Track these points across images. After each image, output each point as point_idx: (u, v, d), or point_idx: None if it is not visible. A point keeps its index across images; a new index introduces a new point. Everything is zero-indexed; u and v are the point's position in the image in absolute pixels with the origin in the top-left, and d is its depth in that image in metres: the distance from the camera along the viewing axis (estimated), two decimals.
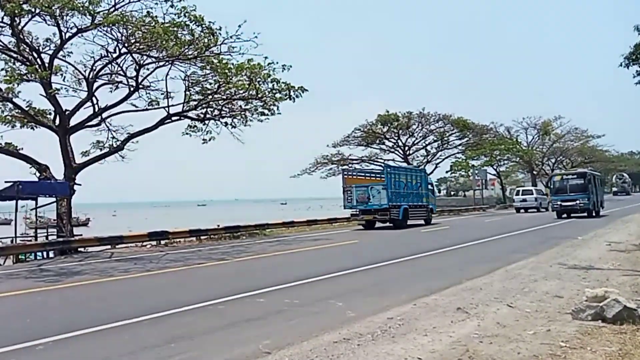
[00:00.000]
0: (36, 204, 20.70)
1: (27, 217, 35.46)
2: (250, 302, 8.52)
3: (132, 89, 21.17)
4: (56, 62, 19.90)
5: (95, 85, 20.86)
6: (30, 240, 20.70)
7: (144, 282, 11.74)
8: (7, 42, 18.98)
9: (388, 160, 50.10)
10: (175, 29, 18.52)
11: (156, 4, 18.67)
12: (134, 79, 20.88)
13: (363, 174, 31.38)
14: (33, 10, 17.29)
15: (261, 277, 11.51)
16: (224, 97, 22.40)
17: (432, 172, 49.73)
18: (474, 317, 6.69)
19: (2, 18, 17.60)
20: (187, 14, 18.64)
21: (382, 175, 27.68)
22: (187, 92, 22.11)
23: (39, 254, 17.81)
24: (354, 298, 8.61)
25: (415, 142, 49.19)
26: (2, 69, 19.32)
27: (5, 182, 18.22)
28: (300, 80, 23.75)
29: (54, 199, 20.44)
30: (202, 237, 22.43)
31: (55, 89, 19.79)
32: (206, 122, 23.01)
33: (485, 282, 9.47)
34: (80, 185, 20.99)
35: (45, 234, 21.43)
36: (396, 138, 48.43)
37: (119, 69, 21.04)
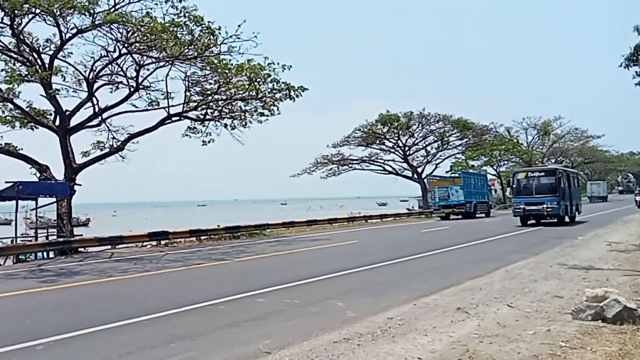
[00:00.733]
0: (36, 204, 20.70)
1: (28, 217, 35.45)
2: (250, 302, 8.51)
3: (132, 89, 21.18)
4: (56, 62, 19.93)
5: (96, 85, 20.87)
6: (31, 241, 20.69)
7: (144, 282, 11.73)
8: (7, 42, 19.01)
9: (388, 160, 50.19)
10: (175, 28, 18.51)
11: (156, 4, 18.69)
12: (134, 79, 20.88)
13: (443, 178, 40.08)
14: (33, 10, 17.28)
15: (261, 277, 11.50)
16: (224, 97, 22.40)
17: (431, 172, 49.80)
18: (474, 317, 6.69)
19: (2, 18, 17.61)
20: (187, 14, 18.63)
21: (460, 179, 37.04)
22: (187, 93, 22.12)
23: (39, 254, 17.80)
24: (354, 298, 8.60)
25: (416, 142, 49.23)
26: (2, 70, 19.36)
27: (6, 182, 18.23)
28: (300, 80, 23.79)
29: (54, 199, 20.44)
30: (202, 238, 22.43)
31: (55, 90, 19.80)
32: (206, 122, 23.01)
33: (485, 282, 9.47)
34: (80, 185, 21.00)
35: (46, 234, 21.43)
36: (396, 138, 48.46)
37: (119, 69, 21.07)
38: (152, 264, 14.58)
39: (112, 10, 18.36)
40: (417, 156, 50.19)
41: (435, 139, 49.11)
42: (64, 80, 20.96)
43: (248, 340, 6.14)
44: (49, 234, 21.45)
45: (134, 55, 20.16)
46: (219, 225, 24.17)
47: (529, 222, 26.20)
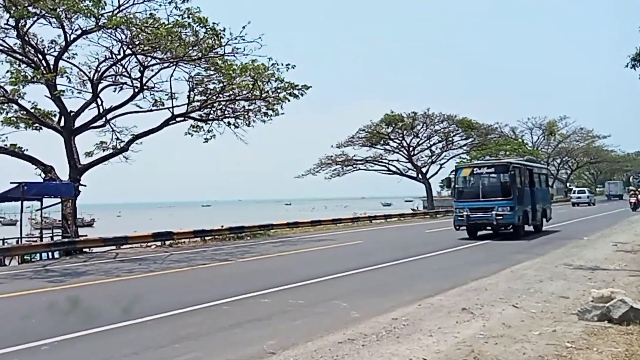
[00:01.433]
0: (41, 204, 20.77)
1: (33, 217, 35.61)
2: (254, 303, 8.52)
3: (136, 90, 21.25)
4: (61, 63, 20.01)
5: (100, 86, 20.95)
6: (36, 241, 20.79)
7: (149, 282, 11.76)
8: (12, 44, 19.08)
9: (393, 160, 50.12)
10: (178, 29, 18.58)
11: (160, 5, 18.73)
12: (139, 80, 20.96)
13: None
14: (38, 12, 17.37)
15: (265, 278, 11.51)
16: (228, 97, 22.47)
17: (436, 173, 49.80)
18: (479, 318, 6.67)
19: (8, 20, 17.70)
20: (190, 16, 18.69)
21: None
22: (191, 93, 22.19)
23: (44, 254, 17.87)
24: (359, 298, 8.60)
25: (420, 143, 49.14)
26: (8, 71, 19.44)
27: (11, 183, 18.31)
28: (302, 80, 23.77)
29: (59, 200, 20.53)
30: (206, 238, 22.47)
31: (60, 91, 19.88)
32: (209, 122, 23.11)
33: (490, 282, 9.45)
34: (85, 186, 21.09)
35: (51, 235, 21.51)
36: (401, 139, 48.38)
37: (124, 70, 21.16)
38: (157, 265, 14.62)
39: (116, 12, 18.42)
40: (421, 156, 50.10)
41: (440, 139, 49.01)
42: (69, 81, 21.06)
43: (252, 341, 6.15)
44: (54, 234, 21.53)
45: (138, 56, 20.24)
46: (222, 226, 24.21)
47: (479, 234, 19.93)
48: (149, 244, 20.54)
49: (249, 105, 22.92)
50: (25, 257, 17.42)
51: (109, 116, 21.77)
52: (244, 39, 19.79)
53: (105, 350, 6.04)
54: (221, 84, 21.64)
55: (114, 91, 22.02)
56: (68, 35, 18.85)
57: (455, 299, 7.99)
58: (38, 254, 17.86)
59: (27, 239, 23.27)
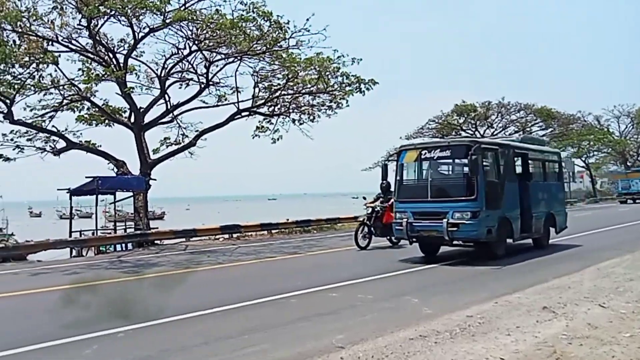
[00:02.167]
0: (114, 198, 21.99)
1: (107, 210, 37.58)
2: (322, 297, 8.60)
3: (202, 85, 21.92)
4: (130, 61, 20.92)
5: (167, 83, 21.77)
6: (110, 233, 22.03)
7: (217, 274, 12.15)
8: (84, 43, 20.16)
9: None
10: (243, 23, 18.98)
11: (224, 1, 19.22)
12: (204, 75, 21.61)
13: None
14: (108, 11, 18.25)
15: (333, 272, 11.57)
16: (292, 92, 22.70)
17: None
18: (561, 317, 6.38)
19: (80, 20, 18.72)
20: (255, 10, 19.04)
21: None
22: (256, 88, 22.62)
23: (118, 246, 18.89)
24: (431, 294, 8.48)
25: (495, 134, 47.56)
26: (79, 69, 20.52)
27: (86, 177, 19.45)
28: (366, 72, 23.43)
29: (131, 194, 21.60)
30: (273, 231, 22.88)
31: (130, 88, 20.83)
32: (274, 118, 23.42)
33: (574, 280, 9.01)
34: (155, 180, 22.03)
35: (124, 227, 22.69)
36: (473, 129, 47.09)
37: (190, 66, 21.86)
38: (225, 257, 15.06)
39: (182, 9, 19.04)
40: None
41: (516, 129, 47.18)
42: (138, 78, 22.04)
43: (320, 335, 6.20)
44: (127, 226, 22.71)
45: (203, 52, 20.84)
46: (288, 219, 24.54)
47: (438, 254, 13.45)
48: (217, 236, 21.16)
49: (313, 100, 23.05)
50: (100, 249, 18.49)
51: (175, 112, 22.61)
52: (308, 31, 19.95)
53: (177, 339, 6.30)
54: (285, 79, 21.89)
55: (180, 88, 22.84)
56: (136, 34, 19.69)
57: (534, 297, 7.68)
58: (112, 246, 18.90)
59: (102, 231, 24.66)
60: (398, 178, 13.47)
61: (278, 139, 23.57)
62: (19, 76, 18.75)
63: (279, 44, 20.45)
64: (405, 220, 12.63)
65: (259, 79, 22.54)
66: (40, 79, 19.54)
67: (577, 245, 14.95)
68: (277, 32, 20.00)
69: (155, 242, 19.86)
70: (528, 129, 47.07)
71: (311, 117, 23.36)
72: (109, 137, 23.81)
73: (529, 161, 14.46)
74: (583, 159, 60.21)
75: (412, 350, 5.28)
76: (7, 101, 18.97)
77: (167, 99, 21.96)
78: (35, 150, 21.33)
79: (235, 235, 21.51)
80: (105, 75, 19.85)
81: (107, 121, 22.30)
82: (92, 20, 18.44)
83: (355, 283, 9.69)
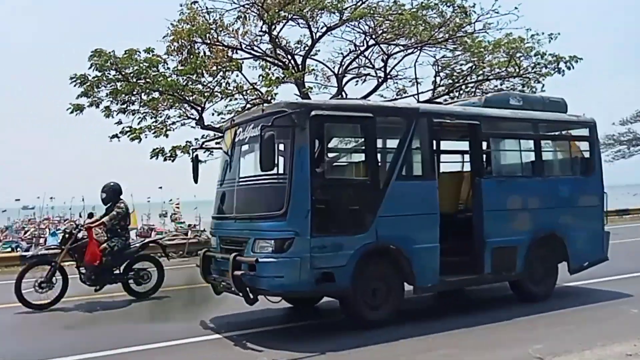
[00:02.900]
0: None
1: None
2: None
3: (380, 80, 22.04)
4: (308, 62, 21.83)
5: (344, 80, 22.31)
6: None
7: None
8: (264, 49, 21.64)
9: None
10: (423, 12, 18.72)
11: None
12: (382, 69, 21.69)
13: None
14: (288, 15, 19.36)
15: None
16: (477, 78, 21.79)
17: None
18: None
19: (262, 27, 20.13)
20: None
21: None
22: (437, 78, 22.11)
23: None
24: None
25: None
26: (260, 75, 22.05)
27: None
28: (565, 50, 20.91)
29: None
30: None
31: (308, 88, 21.76)
32: None
33: None
34: None
35: None
36: None
37: (367, 61, 22.12)
38: None
39: (359, 4, 19.40)
40: None
41: None
42: (315, 78, 22.91)
43: (514, 342, 5.66)
44: None
45: (381, 45, 20.95)
46: None
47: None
48: None
49: (501, 85, 21.83)
50: None
51: None
52: (497, 13, 18.95)
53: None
54: (470, 64, 21.08)
55: (356, 84, 23.21)
56: (314, 34, 20.55)
57: None
58: None
59: None
60: (218, 179, 9.01)
61: None
62: (208, 84, 20.75)
63: (463, 29, 19.79)
64: (213, 253, 8.26)
65: (439, 68, 22.04)
66: (227, 85, 21.45)
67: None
68: (460, 17, 19.38)
69: None
70: None
71: None
72: None
73: (491, 139, 8.88)
74: None
75: None
76: (199, 108, 21.02)
77: (344, 96, 22.51)
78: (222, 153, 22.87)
79: None
80: (285, 78, 21.04)
81: None
82: (272, 26, 19.72)
83: (556, 287, 8.78)
